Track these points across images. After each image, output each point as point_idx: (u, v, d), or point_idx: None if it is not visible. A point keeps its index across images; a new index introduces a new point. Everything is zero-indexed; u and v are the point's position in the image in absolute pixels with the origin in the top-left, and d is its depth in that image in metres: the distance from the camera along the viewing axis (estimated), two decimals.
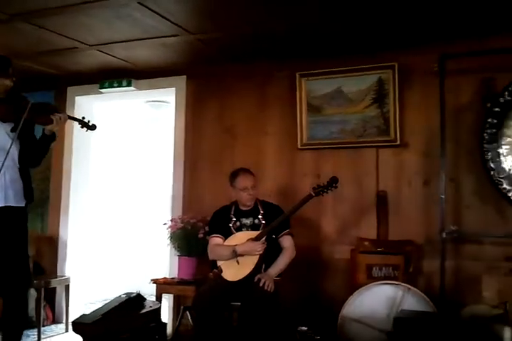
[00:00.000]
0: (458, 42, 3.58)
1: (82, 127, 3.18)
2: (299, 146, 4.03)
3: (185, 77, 4.50)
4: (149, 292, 4.00)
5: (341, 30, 3.51)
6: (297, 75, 4.00)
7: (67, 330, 4.43)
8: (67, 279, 4.59)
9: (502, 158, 3.32)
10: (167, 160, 4.72)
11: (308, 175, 4.02)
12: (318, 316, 3.56)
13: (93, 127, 3.19)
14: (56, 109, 3.07)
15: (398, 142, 3.74)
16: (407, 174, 3.77)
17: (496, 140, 3.33)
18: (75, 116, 3.23)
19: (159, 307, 3.50)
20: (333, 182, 3.31)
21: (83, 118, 3.18)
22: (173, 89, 4.55)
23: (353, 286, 3.41)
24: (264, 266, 3.28)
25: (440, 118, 3.44)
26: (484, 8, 3.15)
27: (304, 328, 3.11)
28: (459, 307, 3.15)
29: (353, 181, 3.87)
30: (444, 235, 3.36)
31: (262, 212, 3.42)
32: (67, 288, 4.56)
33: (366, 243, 3.65)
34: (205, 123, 4.43)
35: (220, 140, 4.36)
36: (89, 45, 3.92)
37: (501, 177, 3.31)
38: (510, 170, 3.31)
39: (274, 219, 3.29)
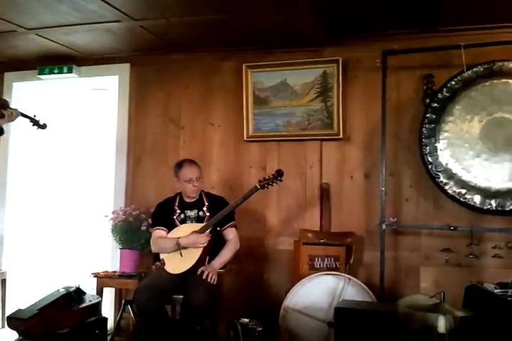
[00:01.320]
0: (402, 39, 3.64)
1: (33, 125, 3.23)
2: (245, 138, 4.02)
3: (128, 65, 4.38)
4: (90, 286, 3.90)
5: (287, 24, 3.50)
6: (244, 66, 3.98)
7: (3, 326, 4.28)
8: (4, 273, 4.45)
9: (439, 152, 3.43)
10: (109, 150, 4.60)
11: (253, 167, 4.03)
12: (261, 308, 3.59)
13: (44, 126, 3.25)
14: (8, 104, 3.07)
15: (341, 136, 3.80)
16: (349, 167, 3.84)
17: (433, 135, 3.43)
18: (27, 114, 3.20)
19: (99, 302, 3.43)
20: (279, 175, 3.34)
21: (34, 116, 3.21)
22: (116, 76, 4.43)
23: (296, 277, 3.45)
24: (208, 258, 3.27)
25: (381, 113, 3.51)
26: (428, 5, 3.23)
27: (246, 320, 3.12)
28: (398, 297, 3.24)
29: (297, 173, 3.91)
30: (383, 227, 3.46)
31: (206, 204, 3.40)
32: (3, 282, 4.42)
33: (309, 234, 3.71)
34: (150, 113, 4.34)
35: (164, 130, 4.29)
36: (28, 29, 3.74)
37: (438, 171, 3.42)
38: (447, 164, 3.42)
39: (219, 212, 3.27)
